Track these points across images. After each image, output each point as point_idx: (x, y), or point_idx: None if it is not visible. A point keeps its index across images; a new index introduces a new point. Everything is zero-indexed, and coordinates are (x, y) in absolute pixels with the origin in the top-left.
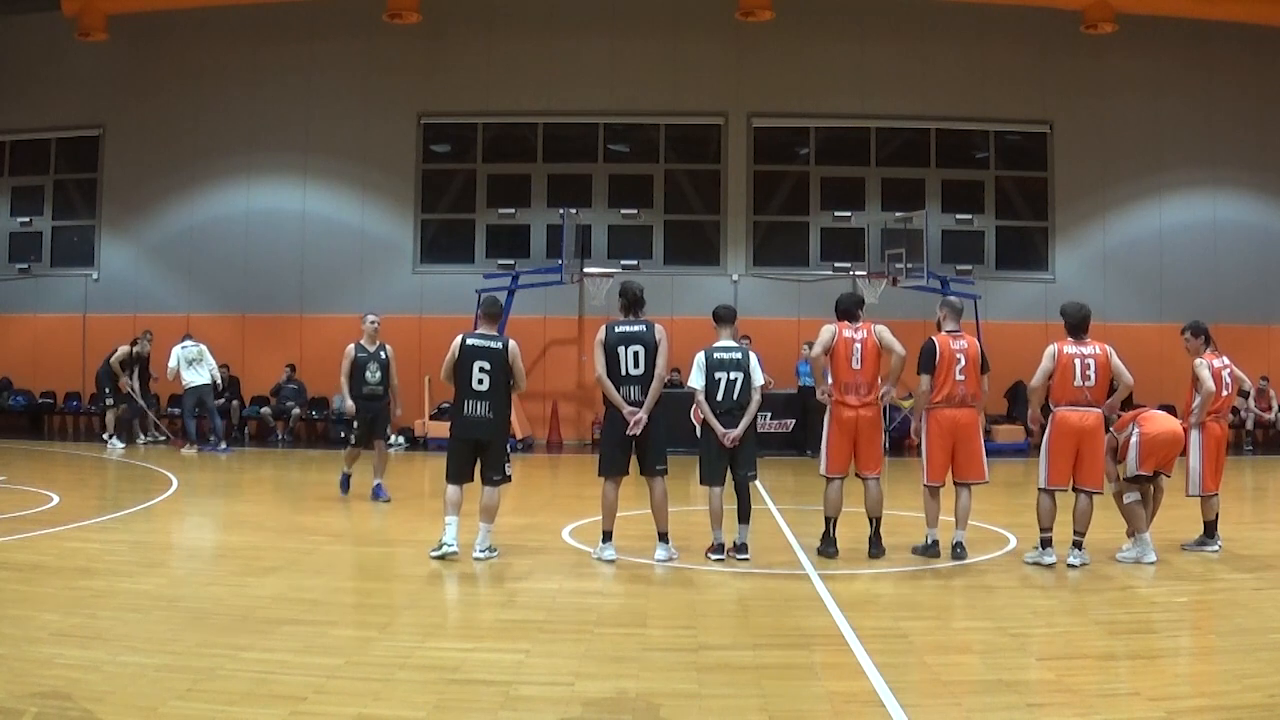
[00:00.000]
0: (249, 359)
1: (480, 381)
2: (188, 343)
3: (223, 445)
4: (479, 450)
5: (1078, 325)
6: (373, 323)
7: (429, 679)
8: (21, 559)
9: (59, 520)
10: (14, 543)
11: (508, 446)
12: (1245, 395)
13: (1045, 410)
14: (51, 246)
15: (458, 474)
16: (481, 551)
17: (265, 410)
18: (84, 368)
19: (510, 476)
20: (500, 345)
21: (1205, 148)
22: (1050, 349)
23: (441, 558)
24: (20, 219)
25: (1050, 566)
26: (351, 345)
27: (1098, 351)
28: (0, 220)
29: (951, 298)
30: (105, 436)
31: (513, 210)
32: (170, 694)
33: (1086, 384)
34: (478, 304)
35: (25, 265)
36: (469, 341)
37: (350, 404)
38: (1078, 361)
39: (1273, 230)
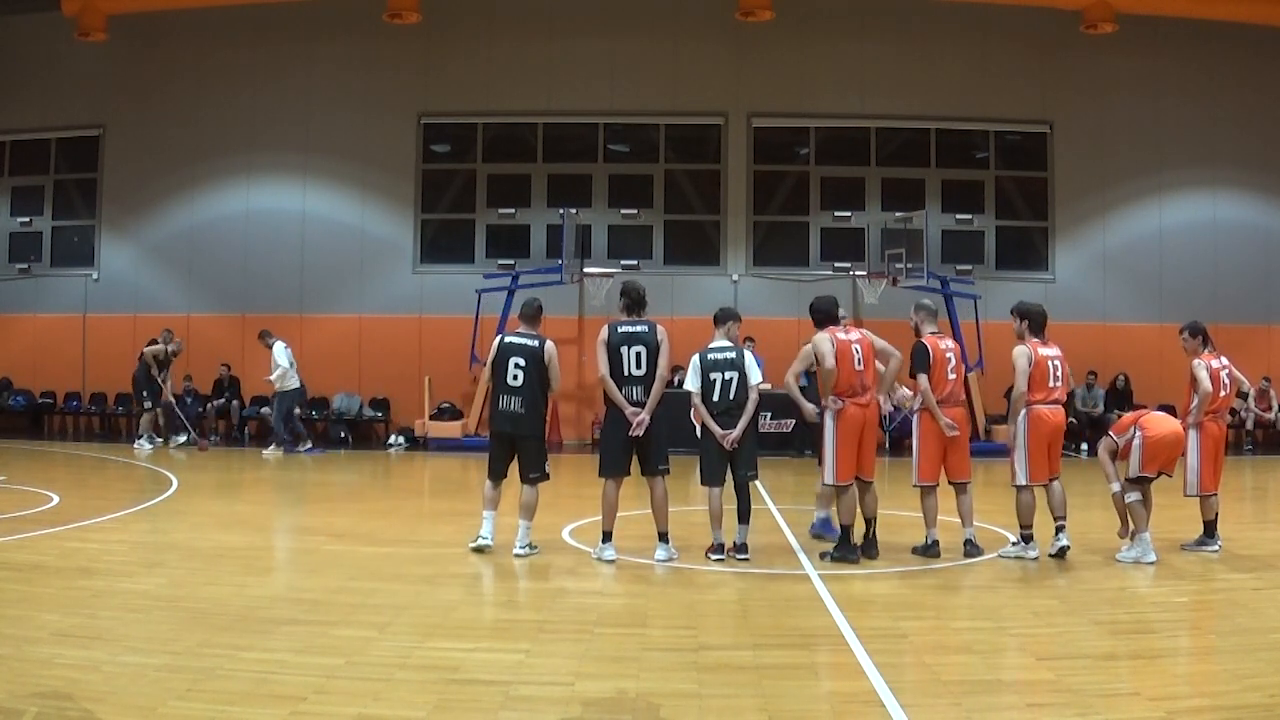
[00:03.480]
0: (249, 359)
1: (515, 377)
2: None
3: (308, 445)
4: (514, 446)
5: (1043, 325)
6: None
7: (429, 679)
8: (21, 559)
9: (59, 520)
10: (14, 543)
11: (545, 445)
12: (1244, 396)
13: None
14: (51, 246)
15: (495, 471)
16: (522, 548)
17: (265, 410)
18: (84, 368)
19: (548, 474)
20: (537, 344)
21: (1205, 148)
22: (1025, 350)
23: (479, 550)
24: (20, 219)
25: (1035, 560)
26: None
27: (1060, 353)
28: (0, 220)
29: (925, 300)
30: (138, 439)
31: (513, 210)
32: (170, 694)
33: (1057, 385)
34: (478, 304)
35: (25, 265)
36: (507, 339)
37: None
38: (1050, 363)
39: (1273, 230)
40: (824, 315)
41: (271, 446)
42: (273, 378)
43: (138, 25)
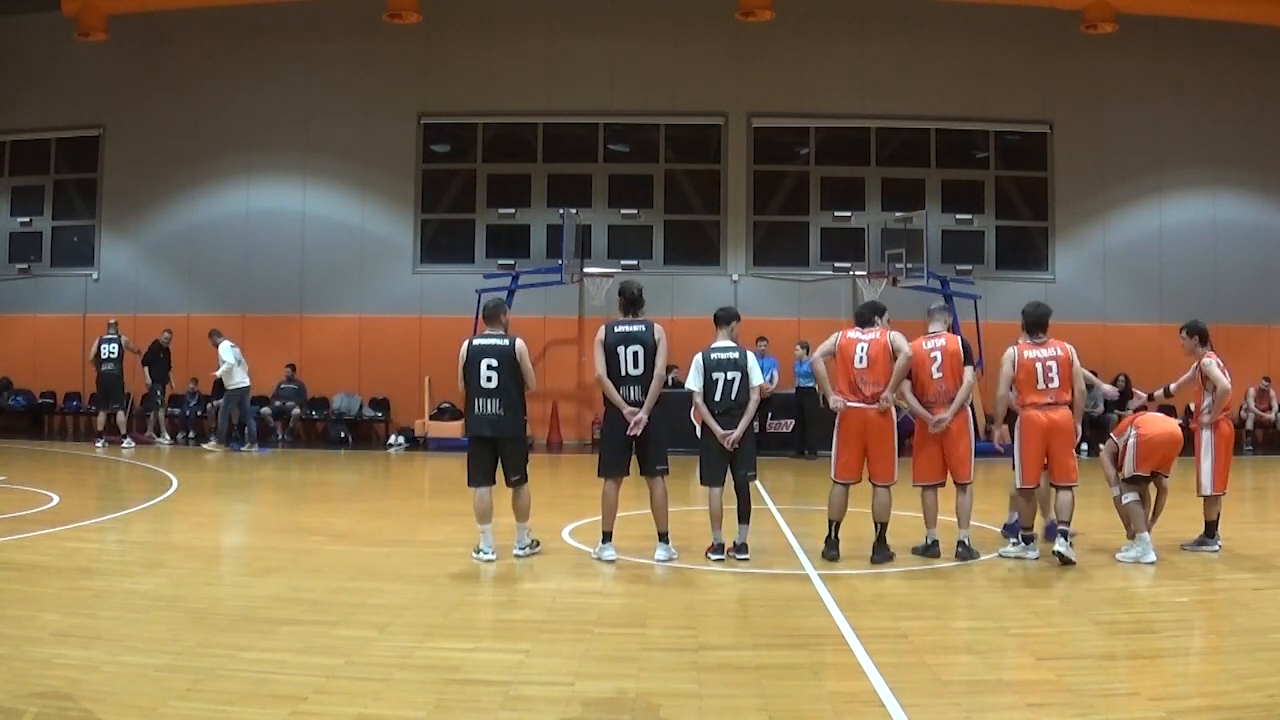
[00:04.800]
0: (249, 359)
1: (489, 379)
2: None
3: (257, 447)
4: (496, 449)
5: (1035, 324)
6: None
7: (429, 679)
8: (21, 559)
9: (59, 520)
10: (14, 543)
11: (526, 445)
12: None
13: (1011, 413)
14: (51, 246)
15: (478, 476)
16: (521, 549)
17: (265, 410)
18: (84, 368)
19: (527, 476)
20: (507, 343)
21: (1205, 147)
22: (1009, 352)
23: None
24: (20, 219)
25: (1035, 560)
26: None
27: (1058, 353)
28: (0, 220)
29: (937, 302)
30: (123, 438)
31: (513, 210)
32: (170, 694)
33: (1050, 386)
34: (478, 304)
35: (25, 265)
36: (475, 342)
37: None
38: (1038, 365)
39: (1273, 230)
40: (855, 316)
41: (246, 444)
42: (219, 373)
43: (138, 25)
